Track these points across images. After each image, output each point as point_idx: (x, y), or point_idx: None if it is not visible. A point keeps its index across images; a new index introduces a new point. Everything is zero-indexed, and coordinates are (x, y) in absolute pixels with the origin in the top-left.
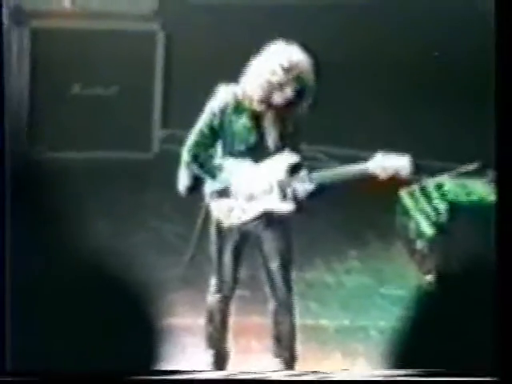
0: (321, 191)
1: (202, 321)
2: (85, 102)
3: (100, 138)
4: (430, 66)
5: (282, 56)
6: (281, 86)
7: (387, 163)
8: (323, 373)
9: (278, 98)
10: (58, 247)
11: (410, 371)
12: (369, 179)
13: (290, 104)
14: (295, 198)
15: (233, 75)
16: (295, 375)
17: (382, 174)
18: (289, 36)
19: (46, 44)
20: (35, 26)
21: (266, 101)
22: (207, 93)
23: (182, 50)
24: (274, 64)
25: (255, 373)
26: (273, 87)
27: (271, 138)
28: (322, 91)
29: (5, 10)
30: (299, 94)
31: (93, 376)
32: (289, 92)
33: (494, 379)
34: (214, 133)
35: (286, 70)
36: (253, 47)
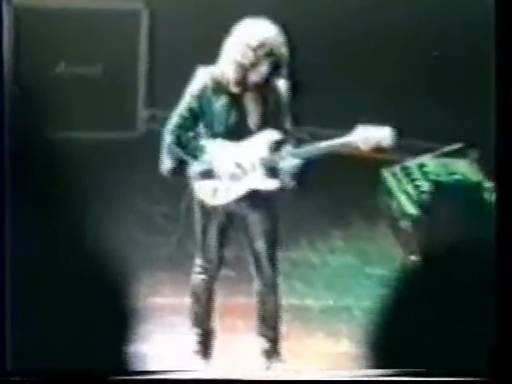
0: (306, 166)
1: (187, 300)
2: (69, 81)
3: (84, 117)
4: (420, 43)
5: (250, 34)
6: (254, 65)
7: (369, 134)
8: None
9: (253, 77)
10: (53, 233)
11: (397, 371)
12: (351, 153)
13: (266, 81)
14: (280, 175)
15: (217, 55)
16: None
17: (364, 146)
18: (273, 12)
19: (30, 22)
20: (19, 4)
21: (242, 81)
22: (192, 72)
23: (167, 29)
24: (244, 44)
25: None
26: (246, 67)
27: (252, 118)
28: (307, 69)
29: None
30: (274, 69)
31: (93, 376)
32: (263, 69)
33: (485, 379)
34: (195, 114)
35: (256, 49)
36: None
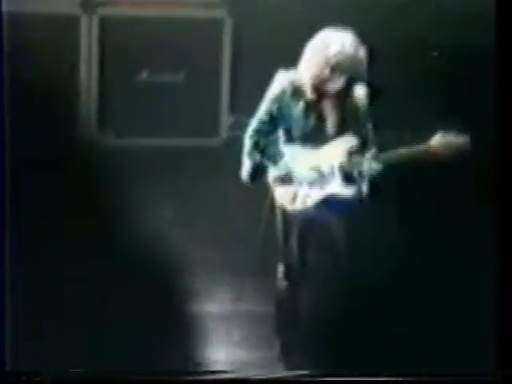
0: (388, 172)
1: (271, 308)
2: (152, 89)
3: (167, 124)
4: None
5: (329, 46)
6: (331, 77)
7: (449, 141)
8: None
9: (330, 87)
10: (116, 233)
11: (403, 371)
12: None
13: (343, 91)
14: (360, 180)
15: (298, 60)
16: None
17: (445, 152)
18: (352, 20)
19: (115, 32)
20: (104, 14)
21: (320, 90)
22: (273, 77)
23: (249, 36)
24: (322, 56)
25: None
26: (323, 78)
27: (330, 123)
28: (387, 74)
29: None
30: (351, 80)
31: (93, 376)
32: (340, 81)
33: (492, 379)
34: (273, 119)
35: (334, 62)
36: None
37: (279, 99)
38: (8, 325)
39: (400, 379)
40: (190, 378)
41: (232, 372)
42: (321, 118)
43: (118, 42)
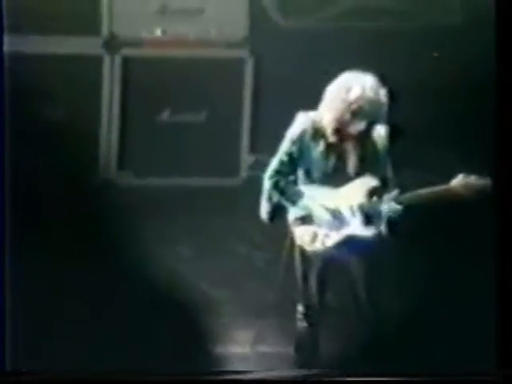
0: (409, 213)
1: (291, 349)
2: (174, 128)
3: (187, 163)
4: None
5: (350, 90)
6: (351, 120)
7: (470, 182)
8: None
9: (351, 130)
10: (134, 272)
11: (405, 371)
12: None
13: (364, 133)
14: (380, 221)
15: (318, 101)
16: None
17: (466, 193)
18: (372, 61)
19: (137, 71)
20: (127, 54)
21: (340, 133)
22: (293, 118)
23: (271, 76)
24: (343, 99)
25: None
26: (344, 122)
27: (350, 164)
28: (407, 116)
29: (99, 39)
30: (372, 123)
31: (93, 376)
32: (361, 124)
33: (494, 379)
34: (293, 160)
35: (354, 106)
36: (342, 72)
37: (299, 140)
38: (8, 325)
39: (400, 379)
40: None
41: None
42: (341, 159)
43: (141, 81)
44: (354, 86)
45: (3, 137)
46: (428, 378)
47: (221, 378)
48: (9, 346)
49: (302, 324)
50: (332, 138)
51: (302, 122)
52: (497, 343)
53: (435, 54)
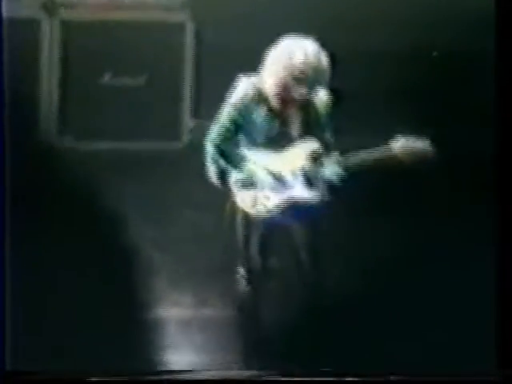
0: (350, 176)
1: (233, 311)
2: (114, 92)
3: (129, 127)
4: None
5: (291, 55)
6: (294, 85)
7: (409, 145)
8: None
9: (293, 95)
10: (78, 239)
11: (404, 371)
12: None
13: (307, 98)
14: (322, 185)
15: (260, 65)
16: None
17: (406, 156)
18: (313, 26)
19: (76, 35)
20: (65, 18)
21: (282, 98)
22: (236, 82)
23: (212, 40)
24: (284, 65)
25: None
26: (286, 87)
27: (293, 128)
28: (348, 80)
29: (37, 2)
30: (314, 87)
31: (92, 376)
32: (303, 89)
33: (494, 379)
34: (236, 124)
35: (296, 70)
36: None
37: (241, 105)
38: (8, 325)
39: (400, 379)
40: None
41: (192, 372)
42: (284, 124)
43: (80, 45)
44: (295, 51)
45: None
46: (428, 378)
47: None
48: (9, 346)
49: (243, 287)
50: (275, 103)
51: (243, 86)
52: (497, 343)
53: (435, 54)
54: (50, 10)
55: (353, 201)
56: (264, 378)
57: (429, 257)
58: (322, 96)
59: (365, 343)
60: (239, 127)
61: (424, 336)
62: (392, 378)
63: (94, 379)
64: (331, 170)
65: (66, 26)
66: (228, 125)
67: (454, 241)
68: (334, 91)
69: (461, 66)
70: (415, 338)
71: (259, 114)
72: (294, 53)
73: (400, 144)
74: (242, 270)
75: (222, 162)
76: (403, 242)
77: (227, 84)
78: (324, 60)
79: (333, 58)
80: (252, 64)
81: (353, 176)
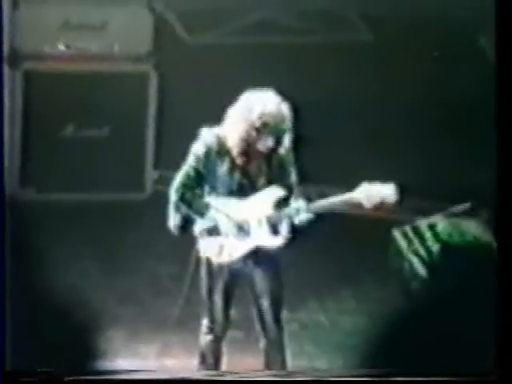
0: (318, 221)
1: (195, 361)
2: (77, 144)
3: (92, 179)
4: (420, 101)
5: (253, 109)
6: (256, 141)
7: (372, 191)
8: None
9: (256, 149)
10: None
11: (402, 371)
12: (357, 211)
13: (271, 150)
14: (287, 231)
15: (223, 117)
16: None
17: (368, 203)
18: (275, 77)
19: (39, 86)
20: (28, 68)
21: (245, 153)
22: (198, 134)
23: (175, 91)
24: (246, 120)
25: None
26: (248, 142)
27: (257, 179)
28: (310, 127)
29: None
30: (278, 141)
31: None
32: (266, 143)
33: (492, 379)
34: (199, 175)
35: (259, 126)
36: (247, 89)
37: (204, 156)
38: (8, 325)
39: (400, 379)
40: None
41: None
42: (247, 176)
43: (43, 96)
44: (255, 103)
45: None
46: (427, 378)
47: None
48: (9, 346)
49: (206, 337)
50: (239, 160)
51: (206, 138)
52: (496, 343)
53: (435, 54)
54: (12, 61)
55: (319, 249)
56: None
57: None
58: (285, 143)
59: (365, 343)
60: (202, 177)
61: (424, 336)
62: (392, 377)
63: (94, 379)
64: (294, 216)
65: (28, 77)
66: (191, 173)
67: None
68: (297, 137)
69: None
70: (415, 338)
71: (222, 167)
72: (253, 105)
73: (363, 190)
74: (205, 320)
75: (184, 209)
76: None
77: (190, 135)
78: (285, 110)
79: (294, 106)
80: (215, 116)
81: (317, 221)
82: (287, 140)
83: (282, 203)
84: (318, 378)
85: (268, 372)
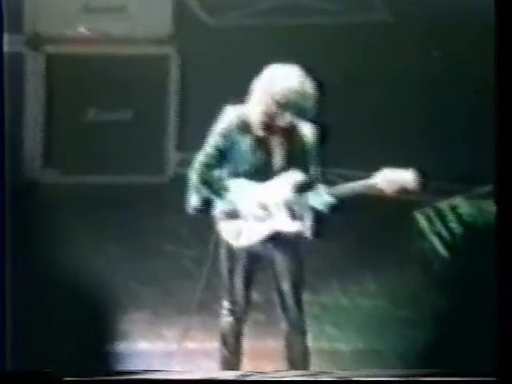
0: (339, 205)
1: (216, 344)
2: (100, 127)
3: (114, 162)
4: (438, 83)
5: (276, 83)
6: (279, 113)
7: (393, 177)
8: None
9: (278, 123)
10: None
11: (404, 371)
12: (377, 195)
13: (291, 127)
14: (306, 216)
15: (246, 95)
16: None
17: (388, 189)
18: (299, 57)
19: (61, 69)
20: (50, 52)
21: (267, 126)
22: (221, 114)
23: (197, 73)
24: (269, 93)
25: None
26: (271, 115)
27: (277, 159)
28: (334, 112)
29: (22, 37)
30: (299, 116)
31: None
32: (288, 117)
33: (493, 379)
34: (221, 154)
35: (281, 99)
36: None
37: (226, 134)
38: (8, 325)
39: (399, 379)
40: None
41: None
42: (268, 154)
43: (65, 80)
44: (278, 78)
45: None
46: (427, 378)
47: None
48: (9, 346)
49: (227, 319)
50: (260, 132)
51: (229, 115)
52: (496, 343)
53: (435, 53)
54: (34, 45)
55: (341, 232)
56: None
57: None
58: (307, 127)
59: (364, 343)
60: (224, 155)
61: (424, 336)
62: (392, 377)
63: (94, 379)
64: (316, 200)
65: (50, 60)
66: (212, 153)
67: None
68: (319, 124)
69: (452, 97)
70: (415, 338)
71: (244, 143)
72: (276, 79)
73: (383, 176)
74: (226, 302)
75: (205, 191)
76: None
77: (212, 115)
78: (309, 86)
79: (321, 85)
80: (237, 96)
81: (338, 206)
82: (308, 124)
83: (302, 187)
84: (341, 378)
85: (293, 372)
